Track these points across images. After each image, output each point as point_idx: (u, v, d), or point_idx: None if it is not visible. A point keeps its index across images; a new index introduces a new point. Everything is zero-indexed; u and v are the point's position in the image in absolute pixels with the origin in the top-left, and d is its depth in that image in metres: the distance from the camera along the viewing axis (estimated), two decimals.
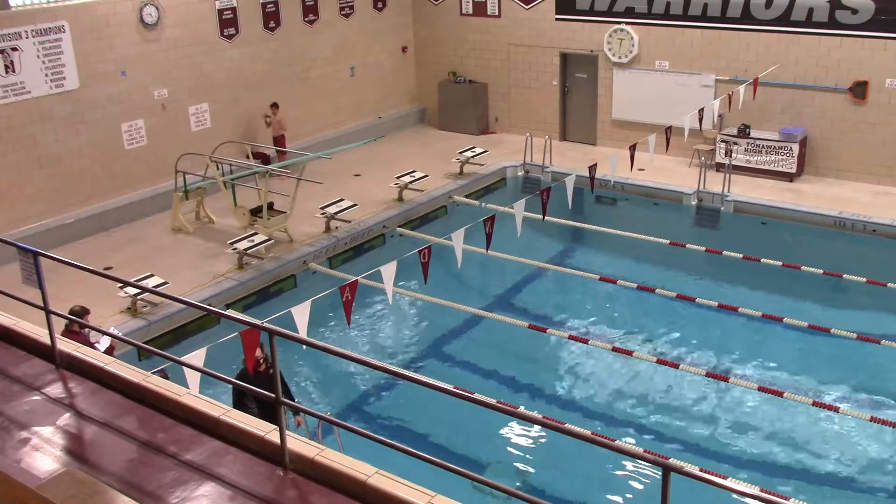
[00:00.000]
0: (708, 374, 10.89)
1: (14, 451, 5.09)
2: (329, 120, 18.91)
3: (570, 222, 15.14)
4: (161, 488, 4.75)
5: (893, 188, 15.44)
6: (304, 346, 5.82)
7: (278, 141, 16.81)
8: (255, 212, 13.84)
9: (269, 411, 7.68)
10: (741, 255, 13.33)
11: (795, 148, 15.82)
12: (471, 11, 19.58)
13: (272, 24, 17.34)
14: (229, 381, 5.59)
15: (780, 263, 12.87)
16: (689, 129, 14.18)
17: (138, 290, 11.15)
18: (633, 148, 12.87)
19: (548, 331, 11.82)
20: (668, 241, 13.84)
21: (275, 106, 16.88)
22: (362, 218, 14.62)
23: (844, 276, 12.49)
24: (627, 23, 17.54)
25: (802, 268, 12.83)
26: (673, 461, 4.20)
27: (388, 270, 8.78)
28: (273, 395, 4.88)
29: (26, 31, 13.44)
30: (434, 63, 20.53)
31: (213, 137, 15.98)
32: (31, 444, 5.16)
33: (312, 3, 18.14)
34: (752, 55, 16.32)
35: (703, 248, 13.79)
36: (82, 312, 8.38)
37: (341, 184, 16.14)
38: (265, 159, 16.14)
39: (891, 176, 15.54)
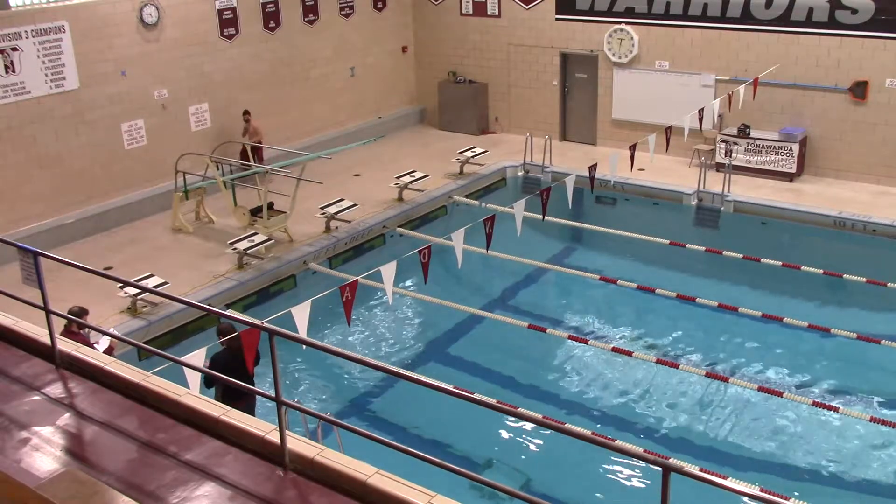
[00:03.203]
0: (708, 374, 10.90)
1: (14, 451, 5.09)
2: (329, 120, 18.90)
3: (570, 222, 15.14)
4: (161, 488, 4.75)
5: (893, 188, 15.44)
6: (304, 346, 5.82)
7: (256, 149, 15.98)
8: (255, 212, 13.83)
9: (230, 396, 8.04)
10: (741, 255, 13.33)
11: (795, 148, 15.82)
12: (471, 11, 19.58)
13: (272, 24, 17.34)
14: (229, 381, 5.60)
15: (780, 263, 12.87)
16: (689, 129, 14.18)
17: (138, 290, 11.15)
18: (633, 148, 12.87)
19: (548, 331, 11.82)
20: (668, 241, 13.83)
21: (247, 113, 16.22)
22: (362, 218, 14.61)
23: (844, 276, 12.49)
24: (627, 23, 17.54)
25: (802, 268, 12.82)
26: (673, 461, 4.20)
27: (388, 270, 8.78)
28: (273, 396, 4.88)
29: (26, 31, 13.44)
30: (434, 63, 20.53)
31: (213, 137, 15.99)
32: (31, 444, 5.17)
33: (312, 3, 18.14)
34: (752, 55, 16.32)
35: (703, 248, 13.79)
36: (81, 313, 8.38)
37: (341, 184, 16.14)
38: (259, 154, 15.94)
39: (891, 176, 15.53)
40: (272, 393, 4.91)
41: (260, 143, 16.12)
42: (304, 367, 11.58)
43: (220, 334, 8.80)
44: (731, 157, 16.13)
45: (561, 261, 14.92)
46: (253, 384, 7.53)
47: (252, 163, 15.16)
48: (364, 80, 19.63)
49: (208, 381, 8.53)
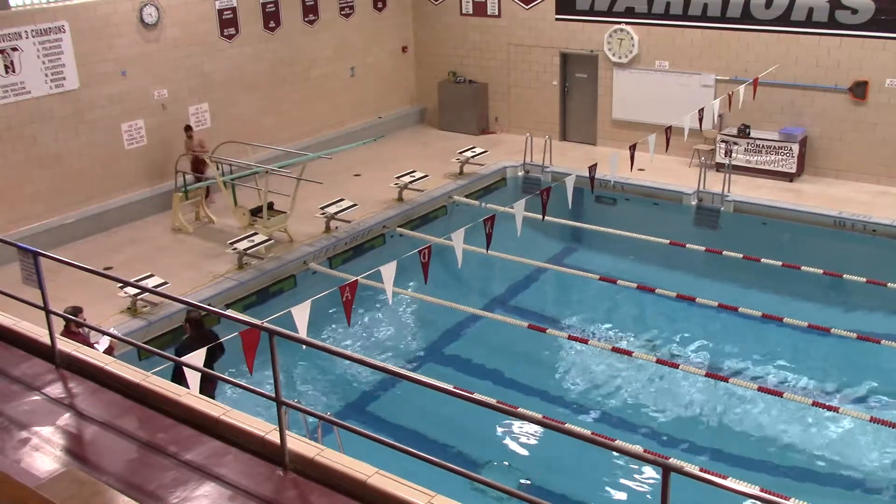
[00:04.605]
0: (708, 374, 10.90)
1: (14, 451, 5.09)
2: (329, 120, 18.90)
3: (570, 222, 15.14)
4: (161, 488, 4.75)
5: (893, 188, 15.44)
6: (304, 346, 5.82)
7: (199, 163, 15.26)
8: (255, 212, 13.83)
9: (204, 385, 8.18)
10: (741, 255, 13.32)
11: (795, 148, 15.81)
12: (471, 11, 19.58)
13: (272, 24, 17.34)
14: (228, 381, 5.60)
15: (780, 263, 12.87)
16: (689, 129, 14.18)
17: (138, 290, 11.15)
18: (633, 148, 12.87)
19: (548, 331, 11.82)
20: (668, 241, 13.83)
21: (189, 129, 15.30)
22: (362, 218, 14.61)
23: (844, 276, 12.49)
24: (627, 23, 17.54)
25: (802, 268, 12.82)
26: (673, 461, 4.20)
27: (388, 270, 8.78)
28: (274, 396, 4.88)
29: (26, 31, 13.45)
30: (434, 63, 20.53)
31: (213, 137, 15.99)
32: (31, 444, 5.16)
33: (312, 3, 18.14)
34: (752, 55, 16.31)
35: (703, 248, 13.79)
36: (75, 312, 8.35)
37: (341, 184, 16.13)
38: (201, 169, 15.22)
39: (891, 176, 15.53)
40: (272, 393, 4.91)
41: (204, 160, 15.20)
42: (304, 367, 11.58)
43: (188, 322, 9.40)
44: (731, 157, 16.12)
45: (561, 261, 14.92)
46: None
47: (203, 174, 14.83)
48: (364, 80, 19.63)
49: (176, 376, 8.52)
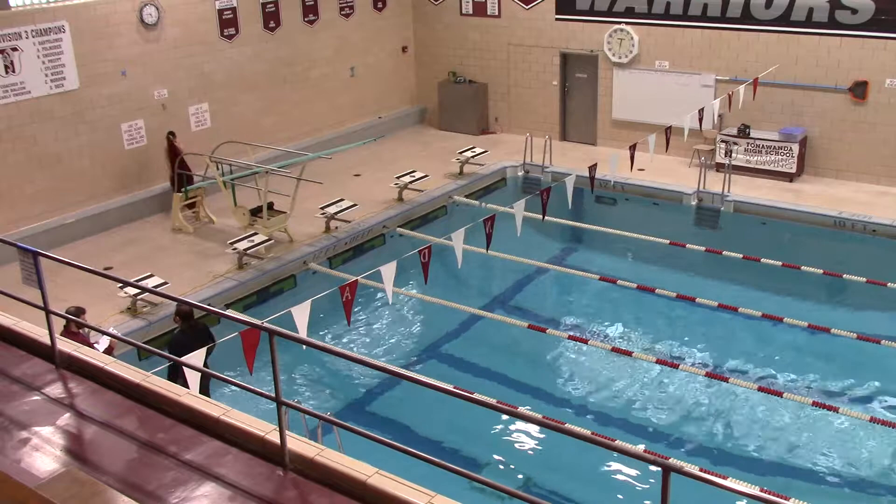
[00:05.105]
0: (708, 374, 10.89)
1: (14, 451, 5.09)
2: (329, 120, 18.90)
3: (570, 222, 15.14)
4: (161, 488, 4.75)
5: (893, 188, 15.44)
6: (304, 346, 5.82)
7: (184, 164, 14.76)
8: (255, 212, 13.83)
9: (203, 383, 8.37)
10: (741, 255, 13.32)
11: (795, 148, 15.81)
12: (471, 11, 19.58)
13: (272, 24, 17.34)
14: (228, 381, 5.59)
15: (780, 263, 12.87)
16: (689, 129, 14.18)
17: (138, 290, 11.15)
18: (633, 148, 12.87)
19: (547, 331, 11.82)
20: (668, 241, 13.83)
21: (172, 134, 14.77)
22: (362, 218, 14.61)
23: (844, 276, 12.49)
24: (627, 23, 17.54)
25: (802, 268, 12.82)
26: (673, 461, 4.19)
27: (388, 270, 8.78)
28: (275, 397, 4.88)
29: (26, 31, 13.44)
30: (434, 63, 20.53)
31: (213, 137, 15.98)
32: (31, 444, 5.16)
33: (312, 3, 18.14)
34: (752, 55, 16.32)
35: (703, 248, 13.79)
36: (78, 312, 8.37)
37: (341, 184, 16.13)
38: (187, 168, 14.93)
39: (891, 176, 15.53)
40: (272, 393, 4.91)
41: (184, 161, 14.89)
42: (304, 367, 11.58)
43: (178, 315, 9.53)
44: (731, 157, 16.12)
45: (561, 261, 14.92)
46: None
47: (195, 172, 14.77)
48: (364, 80, 19.63)
49: (173, 371, 8.62)
